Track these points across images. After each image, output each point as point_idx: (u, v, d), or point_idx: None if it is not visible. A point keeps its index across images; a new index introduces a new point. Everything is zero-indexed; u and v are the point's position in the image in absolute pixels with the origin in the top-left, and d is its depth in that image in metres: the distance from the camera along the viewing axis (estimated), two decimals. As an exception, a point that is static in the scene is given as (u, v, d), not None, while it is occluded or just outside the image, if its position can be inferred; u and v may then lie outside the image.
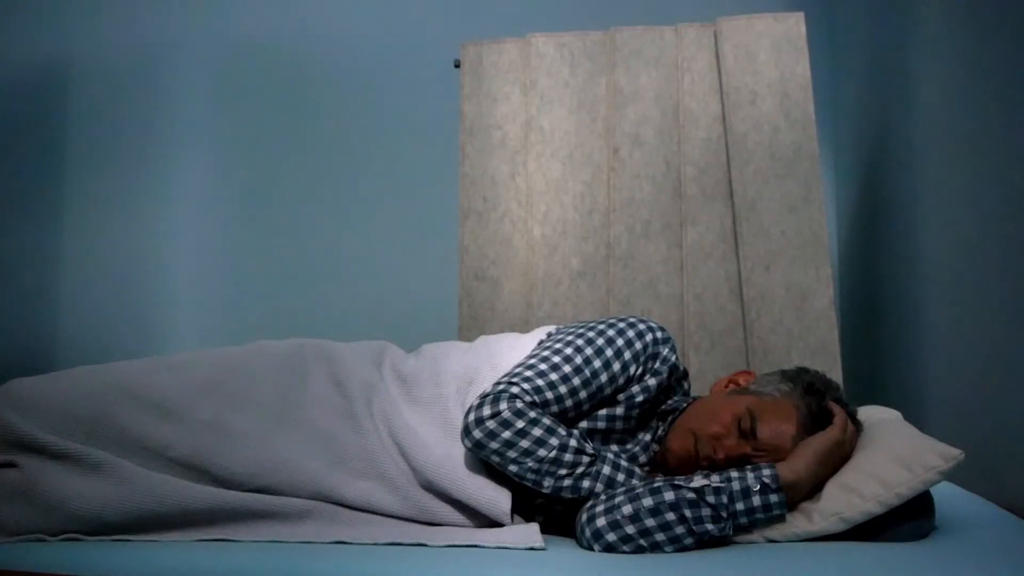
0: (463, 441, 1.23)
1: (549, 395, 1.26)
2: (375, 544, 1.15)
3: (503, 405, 1.21)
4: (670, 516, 1.13)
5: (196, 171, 3.10)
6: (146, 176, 3.13)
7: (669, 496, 1.14)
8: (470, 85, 2.31)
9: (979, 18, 1.56)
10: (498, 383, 1.26)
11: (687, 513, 1.13)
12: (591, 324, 1.38)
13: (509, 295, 2.23)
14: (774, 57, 2.13)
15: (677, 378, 1.41)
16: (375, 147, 2.96)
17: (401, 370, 1.42)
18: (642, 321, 1.37)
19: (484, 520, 1.24)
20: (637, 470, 1.26)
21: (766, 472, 1.18)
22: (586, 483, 1.21)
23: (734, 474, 1.18)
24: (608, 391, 1.31)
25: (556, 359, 1.30)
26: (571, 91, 2.25)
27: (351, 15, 3.04)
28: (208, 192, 3.08)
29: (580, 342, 1.32)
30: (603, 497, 1.18)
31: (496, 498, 1.22)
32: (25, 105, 3.18)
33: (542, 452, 1.20)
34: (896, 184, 2.09)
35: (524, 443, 1.20)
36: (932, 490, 1.19)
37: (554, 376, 1.27)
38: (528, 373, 1.27)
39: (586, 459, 1.22)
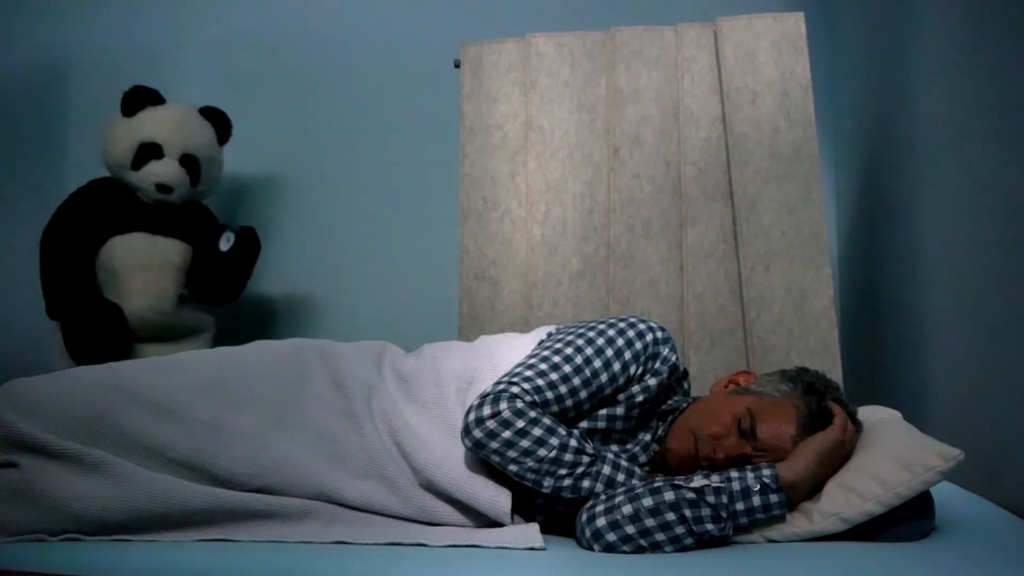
0: (463, 441, 1.23)
1: (549, 395, 1.25)
2: (375, 544, 1.15)
3: (503, 405, 1.21)
4: (670, 516, 1.13)
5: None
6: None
7: (669, 496, 1.14)
8: (470, 85, 2.31)
9: (979, 18, 1.56)
10: (498, 383, 1.26)
11: (687, 513, 1.13)
12: (591, 324, 1.37)
13: (509, 295, 2.22)
14: (774, 57, 2.13)
15: (677, 378, 1.41)
16: (375, 147, 2.96)
17: (401, 370, 1.42)
18: (642, 321, 1.37)
19: (484, 520, 1.24)
20: (637, 470, 1.26)
21: (766, 472, 1.18)
22: (586, 483, 1.21)
23: (734, 474, 1.18)
24: (608, 391, 1.31)
25: (556, 359, 1.30)
26: (571, 91, 2.25)
27: (351, 15, 3.04)
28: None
29: (580, 342, 1.32)
30: (603, 497, 1.18)
31: (496, 498, 1.22)
32: (25, 105, 3.18)
33: (542, 452, 1.20)
34: (896, 184, 2.09)
35: (524, 443, 1.20)
36: (932, 490, 1.19)
37: (554, 376, 1.27)
38: (528, 373, 1.27)
39: (586, 459, 1.22)
